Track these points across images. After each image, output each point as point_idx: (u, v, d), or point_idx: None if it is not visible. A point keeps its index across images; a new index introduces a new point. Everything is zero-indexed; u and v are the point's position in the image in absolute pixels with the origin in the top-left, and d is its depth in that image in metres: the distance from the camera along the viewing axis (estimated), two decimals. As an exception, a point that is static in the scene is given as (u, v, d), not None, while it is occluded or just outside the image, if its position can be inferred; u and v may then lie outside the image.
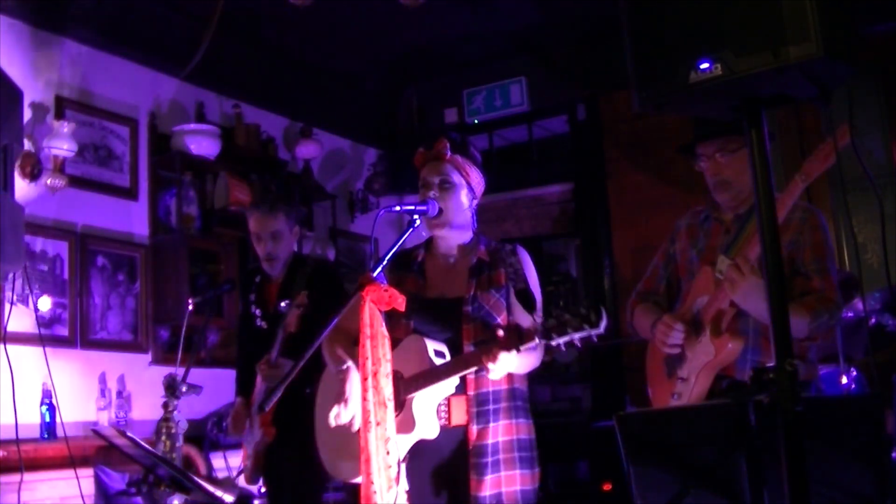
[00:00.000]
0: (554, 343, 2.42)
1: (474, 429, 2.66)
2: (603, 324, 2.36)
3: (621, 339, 5.61)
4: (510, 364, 2.53)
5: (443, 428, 2.67)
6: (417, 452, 2.67)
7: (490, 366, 2.52)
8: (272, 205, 3.73)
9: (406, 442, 2.61)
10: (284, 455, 3.56)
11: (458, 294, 2.77)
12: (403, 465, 2.56)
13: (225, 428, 4.93)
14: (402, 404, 2.61)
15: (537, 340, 2.44)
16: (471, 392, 2.68)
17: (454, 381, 2.64)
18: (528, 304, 2.74)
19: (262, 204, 3.80)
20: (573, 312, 2.39)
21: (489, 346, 2.53)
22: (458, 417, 2.69)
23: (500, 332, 2.51)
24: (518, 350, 2.48)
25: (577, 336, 2.39)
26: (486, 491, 2.62)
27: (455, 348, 2.69)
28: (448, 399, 2.68)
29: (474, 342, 2.68)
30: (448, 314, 2.75)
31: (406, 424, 2.59)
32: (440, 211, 2.76)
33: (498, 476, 2.65)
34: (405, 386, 2.63)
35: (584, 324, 2.37)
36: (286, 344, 3.48)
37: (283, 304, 3.55)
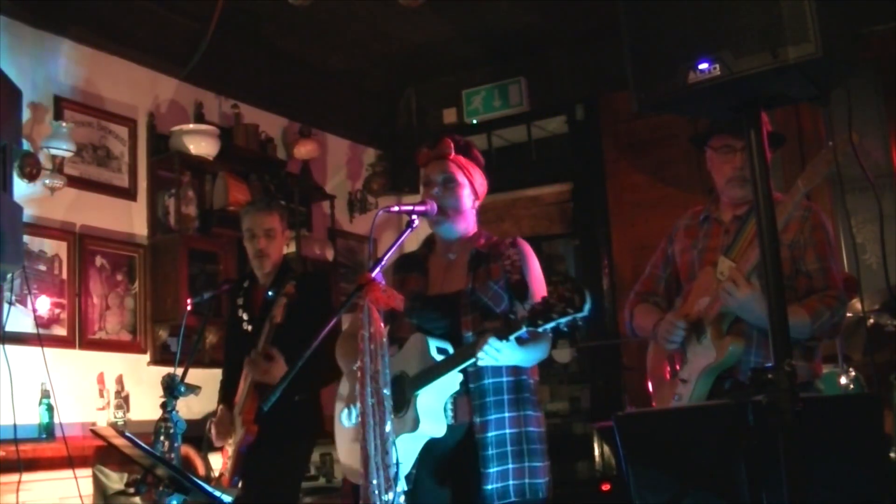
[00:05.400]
0: (540, 329, 2.42)
1: (477, 421, 2.66)
2: (587, 307, 2.34)
3: (621, 339, 5.60)
4: (505, 353, 2.51)
5: (450, 426, 2.67)
6: (424, 450, 2.67)
7: (479, 353, 2.50)
8: (268, 203, 3.91)
9: (415, 441, 2.61)
10: (262, 455, 3.57)
11: (457, 288, 2.78)
12: (403, 466, 2.55)
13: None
14: (406, 402, 2.61)
15: (524, 328, 2.44)
16: (471, 385, 2.67)
17: (457, 376, 2.64)
18: (522, 294, 2.73)
19: (258, 202, 4.04)
20: (559, 297, 2.38)
21: (480, 334, 2.54)
22: (463, 415, 2.69)
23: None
24: (507, 339, 2.47)
25: (562, 321, 2.38)
26: (491, 483, 2.62)
27: (456, 342, 2.69)
28: (455, 398, 2.68)
29: (474, 334, 2.67)
30: (448, 309, 2.75)
31: (410, 423, 2.58)
32: (442, 208, 2.77)
33: (506, 468, 2.64)
34: (410, 384, 2.63)
35: (569, 308, 2.36)
36: (272, 336, 3.55)
37: (269, 293, 3.62)
